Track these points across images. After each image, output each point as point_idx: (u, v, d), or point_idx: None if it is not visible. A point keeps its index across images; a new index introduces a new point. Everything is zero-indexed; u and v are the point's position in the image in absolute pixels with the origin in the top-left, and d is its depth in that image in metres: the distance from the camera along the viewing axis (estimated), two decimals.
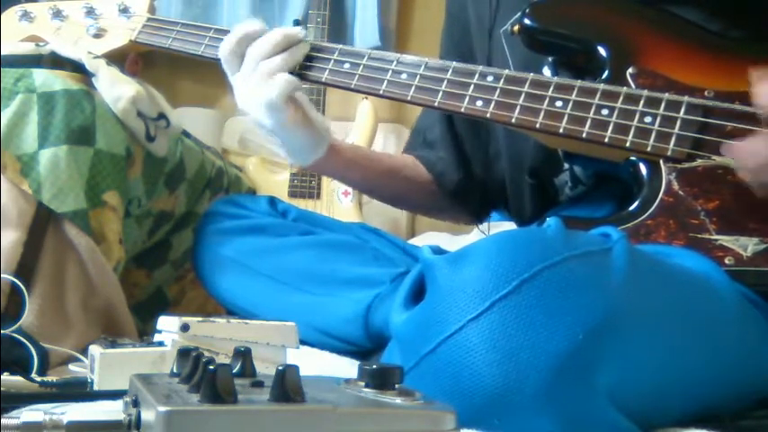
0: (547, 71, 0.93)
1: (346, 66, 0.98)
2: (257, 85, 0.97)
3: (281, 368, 0.45)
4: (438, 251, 0.70)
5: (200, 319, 0.76)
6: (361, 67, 0.97)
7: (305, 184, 2.17)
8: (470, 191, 1.20)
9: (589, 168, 0.96)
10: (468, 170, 1.19)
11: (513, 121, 0.88)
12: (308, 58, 1.00)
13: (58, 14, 1.18)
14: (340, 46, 1.00)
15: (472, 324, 0.60)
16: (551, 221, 0.68)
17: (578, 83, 0.86)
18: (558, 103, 0.86)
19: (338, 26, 2.42)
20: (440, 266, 0.65)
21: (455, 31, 1.17)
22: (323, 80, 0.99)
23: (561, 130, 0.85)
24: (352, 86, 0.97)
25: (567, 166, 0.98)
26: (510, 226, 1.22)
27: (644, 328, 0.64)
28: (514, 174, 1.07)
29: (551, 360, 0.59)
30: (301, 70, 1.00)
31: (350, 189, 2.16)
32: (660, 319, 0.66)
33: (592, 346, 0.60)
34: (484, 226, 1.32)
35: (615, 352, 0.61)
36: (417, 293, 0.70)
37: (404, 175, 1.19)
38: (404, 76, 0.94)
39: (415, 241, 1.66)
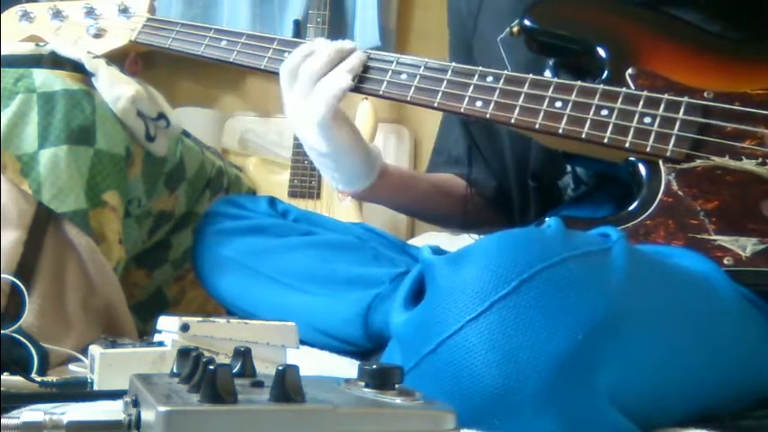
0: (548, 73, 0.93)
1: None
2: (311, 103, 0.94)
3: (281, 368, 0.45)
4: (438, 251, 0.70)
5: (200, 319, 0.76)
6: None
7: (305, 185, 2.17)
8: (506, 195, 1.19)
9: (589, 169, 0.96)
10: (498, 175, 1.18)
11: (513, 121, 0.88)
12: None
13: (57, 15, 1.18)
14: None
15: (472, 324, 0.60)
16: (551, 221, 0.68)
17: (578, 83, 0.87)
18: (558, 104, 0.86)
19: (338, 26, 2.42)
20: (439, 267, 0.65)
21: (459, 29, 1.17)
22: None
23: (560, 131, 0.86)
24: (353, 87, 0.97)
25: (569, 168, 0.98)
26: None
27: (644, 328, 0.64)
28: (519, 178, 1.07)
29: (551, 360, 0.59)
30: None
31: None
32: (660, 320, 0.66)
33: (591, 347, 0.60)
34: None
35: (615, 352, 0.61)
36: (417, 294, 0.70)
37: (445, 191, 1.18)
38: (403, 76, 0.95)
39: (415, 241, 1.65)
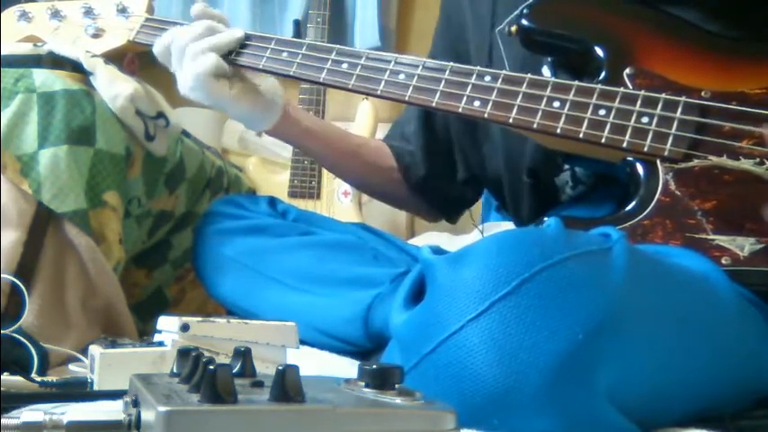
0: (546, 71, 0.93)
1: (344, 66, 0.98)
2: (186, 68, 1.02)
3: (281, 368, 0.45)
4: (438, 251, 0.70)
5: (200, 319, 0.76)
6: (359, 67, 0.97)
7: (305, 185, 2.17)
8: (434, 188, 1.23)
9: (587, 169, 0.96)
10: (436, 168, 1.21)
11: (511, 121, 0.88)
12: (305, 57, 1.00)
13: (56, 14, 1.18)
14: (338, 46, 1.00)
15: (472, 324, 0.60)
16: (551, 221, 0.68)
17: (575, 83, 0.87)
18: (556, 104, 0.86)
19: (338, 26, 2.42)
20: (440, 266, 0.65)
21: (451, 32, 1.17)
22: (321, 80, 0.99)
23: (558, 131, 0.85)
24: (350, 87, 0.97)
25: (567, 166, 0.98)
26: (509, 226, 1.22)
27: (644, 327, 0.64)
28: (511, 174, 1.07)
29: (551, 360, 0.59)
30: (297, 70, 1.01)
31: (350, 189, 2.16)
32: (660, 319, 0.66)
33: (592, 346, 0.60)
34: (482, 227, 1.33)
35: (615, 352, 0.61)
36: (417, 294, 0.70)
37: (369, 159, 1.23)
38: (401, 76, 0.95)
39: (415, 241, 1.66)
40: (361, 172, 1.25)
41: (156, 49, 1.06)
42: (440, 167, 1.21)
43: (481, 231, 1.35)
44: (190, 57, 1.01)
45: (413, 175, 1.22)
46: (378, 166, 1.23)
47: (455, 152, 1.20)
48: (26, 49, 1.11)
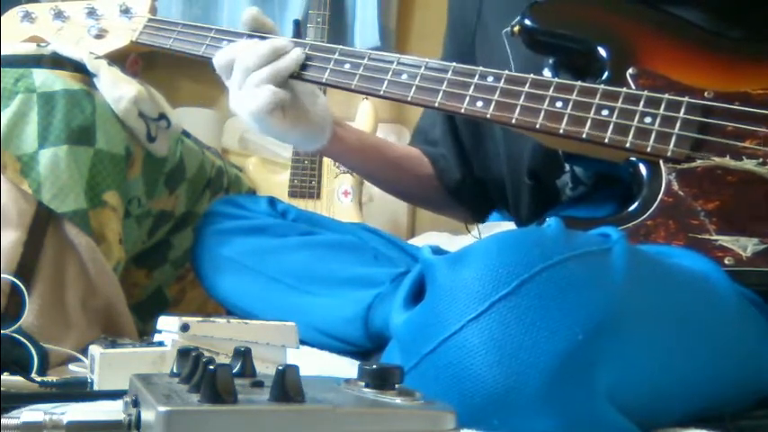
0: (547, 72, 0.93)
1: (347, 66, 0.98)
2: (245, 96, 0.99)
3: (281, 368, 0.45)
4: (438, 251, 0.70)
5: (200, 319, 0.76)
6: (362, 67, 0.97)
7: (305, 184, 2.17)
8: (471, 190, 1.22)
9: (589, 169, 0.96)
10: (470, 170, 1.20)
11: (514, 121, 0.88)
12: (309, 58, 1.00)
13: (59, 15, 1.18)
14: (340, 46, 1.00)
15: (472, 324, 0.60)
16: (551, 221, 0.68)
17: (578, 83, 0.86)
18: (559, 104, 0.86)
19: (338, 26, 2.42)
20: (440, 267, 0.65)
21: (457, 32, 1.17)
22: (323, 81, 0.99)
23: (561, 131, 0.85)
24: (353, 87, 0.97)
25: (567, 167, 0.98)
26: (509, 226, 1.22)
27: (644, 328, 0.64)
28: (513, 174, 1.07)
29: (551, 360, 0.59)
30: (301, 71, 1.00)
31: (350, 189, 2.16)
32: (660, 320, 0.66)
33: (592, 347, 0.60)
34: (476, 231, 1.33)
35: (615, 352, 0.61)
36: (417, 294, 0.70)
37: (409, 168, 1.22)
38: (404, 76, 0.95)
39: (415, 241, 1.66)
40: (403, 182, 1.24)
41: (218, 63, 1.02)
42: (472, 168, 1.21)
43: (475, 237, 1.34)
44: (252, 85, 0.99)
45: (449, 179, 1.21)
46: (416, 174, 1.23)
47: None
48: (29, 49, 1.11)
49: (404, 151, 1.25)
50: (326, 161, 2.18)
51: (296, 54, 1.00)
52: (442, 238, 1.91)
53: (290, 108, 1.01)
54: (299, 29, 2.42)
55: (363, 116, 2.23)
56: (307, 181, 2.17)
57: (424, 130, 1.24)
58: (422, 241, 1.63)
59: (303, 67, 1.00)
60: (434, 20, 1.24)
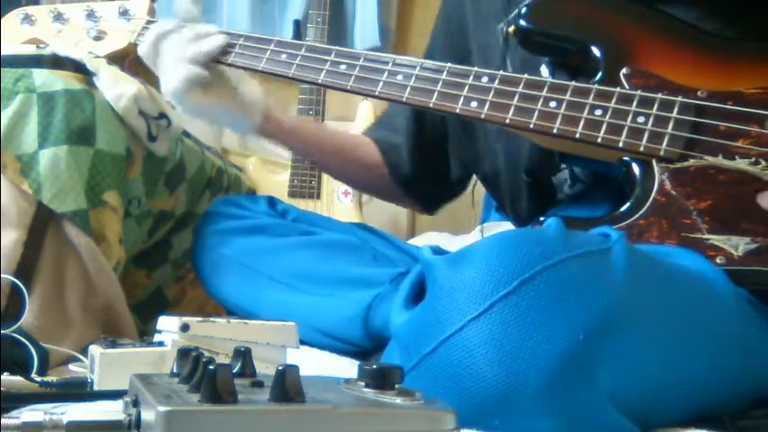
0: (544, 71, 0.93)
1: (342, 67, 0.98)
2: (167, 74, 1.04)
3: (281, 368, 0.45)
4: (438, 251, 0.70)
5: (200, 319, 0.76)
6: (357, 68, 0.97)
7: (305, 184, 2.17)
8: (421, 184, 1.24)
9: (584, 168, 0.96)
10: (422, 165, 1.22)
11: (508, 121, 0.88)
12: (305, 58, 1.01)
13: (59, 17, 1.18)
14: (336, 47, 1.01)
15: (472, 324, 0.60)
16: (551, 221, 0.68)
17: (572, 83, 0.87)
18: (552, 104, 0.86)
19: (338, 26, 2.42)
20: (440, 267, 0.65)
21: (451, 30, 1.17)
22: (319, 81, 1.00)
23: (555, 131, 0.86)
24: (348, 88, 0.98)
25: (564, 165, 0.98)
26: (509, 226, 1.22)
27: (644, 327, 0.64)
28: (510, 172, 1.07)
29: (551, 360, 0.59)
30: (296, 71, 1.01)
31: (350, 189, 2.16)
32: (660, 319, 0.66)
33: (592, 346, 0.60)
34: (479, 229, 1.34)
35: (615, 352, 0.61)
36: (417, 294, 0.70)
37: (354, 156, 1.24)
38: (399, 77, 0.95)
39: (415, 241, 1.66)
40: (348, 169, 1.26)
41: (144, 52, 1.08)
42: (427, 164, 1.22)
43: (481, 233, 1.35)
44: (171, 64, 1.04)
45: (399, 172, 1.23)
46: (364, 162, 1.24)
47: (449, 149, 1.20)
48: (29, 50, 1.11)
49: (349, 139, 1.28)
50: None
51: (217, 39, 1.05)
52: (441, 238, 1.91)
53: (213, 88, 1.05)
54: (299, 29, 2.42)
55: (363, 116, 2.23)
56: (307, 181, 2.17)
57: (391, 115, 1.26)
58: (422, 241, 1.63)
59: (298, 67, 1.01)
60: (434, 20, 1.24)
